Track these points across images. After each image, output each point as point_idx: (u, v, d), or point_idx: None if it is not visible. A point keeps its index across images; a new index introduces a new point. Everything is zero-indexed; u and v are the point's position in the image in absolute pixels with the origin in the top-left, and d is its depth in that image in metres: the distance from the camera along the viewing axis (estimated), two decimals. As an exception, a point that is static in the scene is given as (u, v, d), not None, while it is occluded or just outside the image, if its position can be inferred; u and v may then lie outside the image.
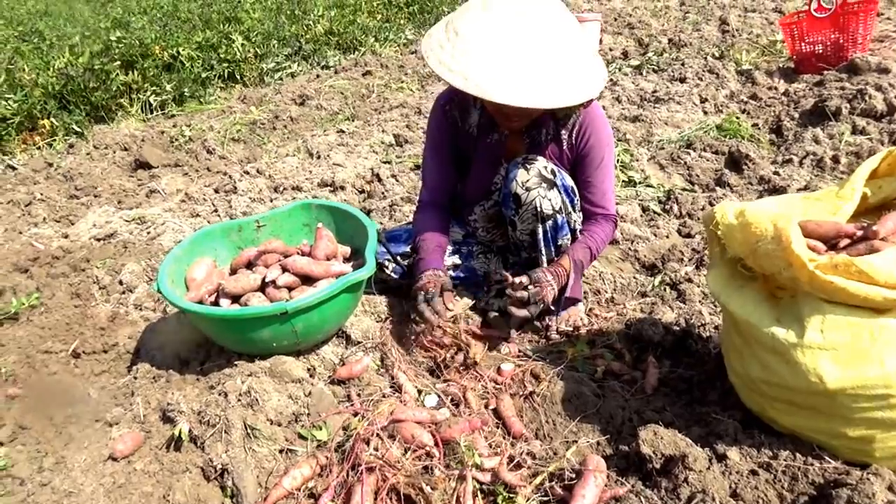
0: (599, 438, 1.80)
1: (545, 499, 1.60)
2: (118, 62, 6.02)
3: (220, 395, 1.87)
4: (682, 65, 5.20)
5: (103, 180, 4.10)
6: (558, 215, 2.14)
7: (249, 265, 2.18)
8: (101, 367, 2.33)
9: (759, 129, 4.03)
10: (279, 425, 1.86)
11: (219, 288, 2.07)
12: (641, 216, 3.10)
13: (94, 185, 4.03)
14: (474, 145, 2.28)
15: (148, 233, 3.25)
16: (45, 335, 2.40)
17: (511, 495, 1.60)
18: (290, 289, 2.05)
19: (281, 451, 1.80)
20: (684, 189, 3.31)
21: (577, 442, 1.77)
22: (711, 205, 3.10)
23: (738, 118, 4.13)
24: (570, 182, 2.19)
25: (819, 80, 4.53)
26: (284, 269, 2.06)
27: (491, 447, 1.78)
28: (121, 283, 2.77)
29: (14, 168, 4.43)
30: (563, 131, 2.18)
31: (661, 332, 2.21)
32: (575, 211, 2.21)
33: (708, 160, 3.56)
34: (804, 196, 1.72)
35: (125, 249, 3.08)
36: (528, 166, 2.11)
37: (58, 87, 5.62)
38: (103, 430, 1.97)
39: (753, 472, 1.54)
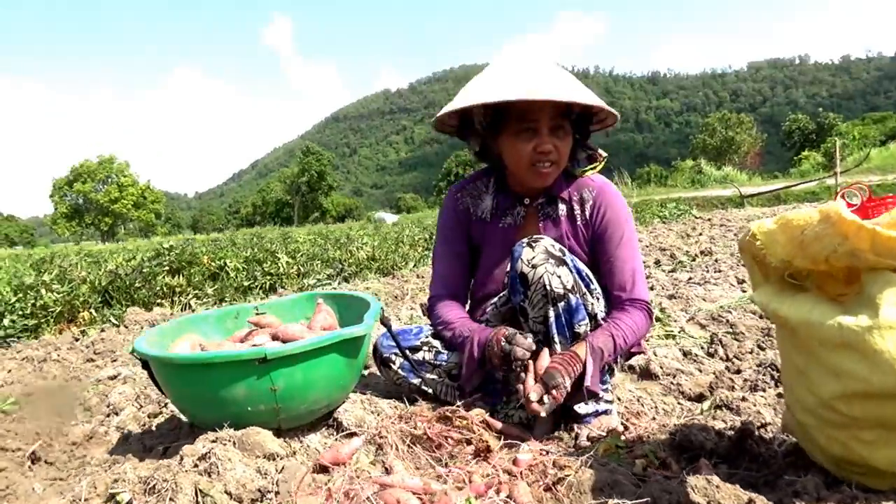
0: (641, 522, 1.39)
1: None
2: (167, 267, 6.33)
3: (173, 459, 1.56)
4: (716, 261, 5.16)
5: (123, 348, 4.02)
6: (571, 295, 1.92)
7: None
8: (59, 474, 2.01)
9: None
10: (239, 501, 1.51)
11: (200, 359, 1.85)
12: (683, 358, 2.80)
13: (113, 350, 3.94)
14: (487, 232, 2.18)
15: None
16: (7, 435, 2.14)
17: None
18: (277, 358, 1.82)
19: (234, 527, 1.43)
20: (728, 333, 3.03)
21: (608, 505, 1.36)
22: (762, 349, 2.80)
23: (780, 294, 3.94)
24: (582, 266, 2.01)
25: (861, 267, 4.39)
26: (275, 338, 1.85)
27: (499, 526, 1.38)
28: (108, 405, 2.53)
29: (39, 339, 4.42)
30: (576, 207, 2.09)
31: (713, 438, 1.83)
32: (592, 295, 1.99)
33: (752, 318, 3.31)
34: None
35: (124, 383, 2.88)
36: (534, 244, 1.96)
37: (104, 283, 5.86)
38: (35, 523, 1.63)
39: (852, 531, 1.13)
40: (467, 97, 1.96)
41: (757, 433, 1.82)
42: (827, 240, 1.21)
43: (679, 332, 3.14)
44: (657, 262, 6.03)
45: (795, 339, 1.28)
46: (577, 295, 1.94)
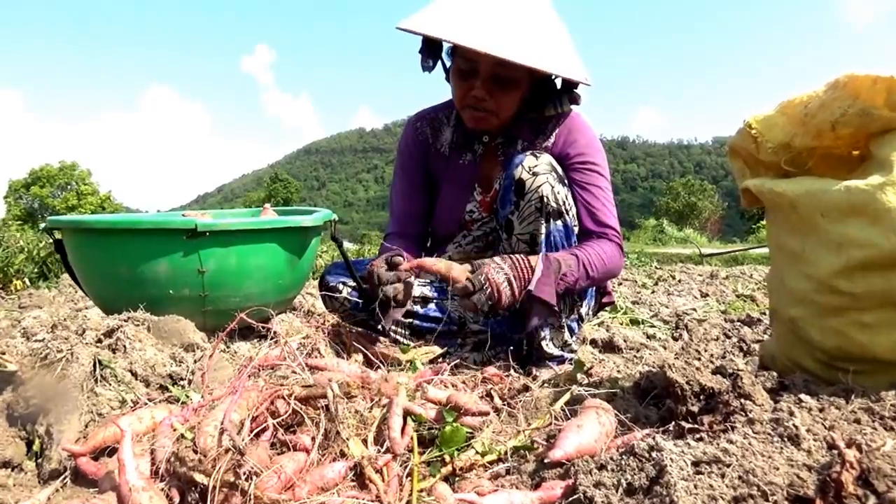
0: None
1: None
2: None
3: (74, 333, 1.34)
4: (679, 281, 5.10)
5: (52, 305, 3.73)
6: (567, 217, 1.78)
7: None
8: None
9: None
10: (145, 383, 1.30)
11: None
12: (649, 340, 2.66)
13: (41, 305, 3.65)
14: (445, 166, 2.03)
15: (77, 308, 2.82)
16: None
17: (468, 430, 1.01)
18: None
19: (135, 404, 1.22)
20: (695, 320, 2.91)
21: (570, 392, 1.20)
22: (728, 336, 2.68)
23: (742, 306, 3.86)
24: None
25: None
26: (210, 232, 1.66)
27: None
28: (21, 330, 2.27)
29: (-39, 293, 4.08)
30: (540, 140, 1.94)
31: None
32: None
33: (718, 318, 3.21)
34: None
35: (40, 307, 2.62)
36: (538, 154, 1.78)
37: (43, 255, 5.53)
38: None
39: (854, 418, 0.98)
40: (412, 20, 1.71)
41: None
42: (835, 104, 1.10)
43: (643, 321, 3.02)
44: (620, 283, 5.95)
45: (793, 216, 1.15)
46: (573, 220, 1.79)
